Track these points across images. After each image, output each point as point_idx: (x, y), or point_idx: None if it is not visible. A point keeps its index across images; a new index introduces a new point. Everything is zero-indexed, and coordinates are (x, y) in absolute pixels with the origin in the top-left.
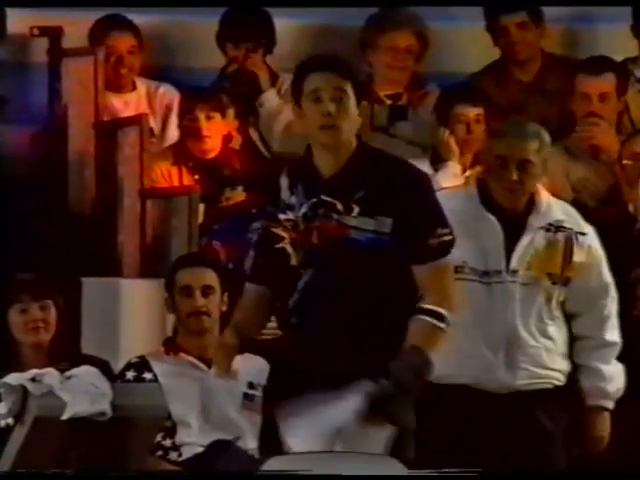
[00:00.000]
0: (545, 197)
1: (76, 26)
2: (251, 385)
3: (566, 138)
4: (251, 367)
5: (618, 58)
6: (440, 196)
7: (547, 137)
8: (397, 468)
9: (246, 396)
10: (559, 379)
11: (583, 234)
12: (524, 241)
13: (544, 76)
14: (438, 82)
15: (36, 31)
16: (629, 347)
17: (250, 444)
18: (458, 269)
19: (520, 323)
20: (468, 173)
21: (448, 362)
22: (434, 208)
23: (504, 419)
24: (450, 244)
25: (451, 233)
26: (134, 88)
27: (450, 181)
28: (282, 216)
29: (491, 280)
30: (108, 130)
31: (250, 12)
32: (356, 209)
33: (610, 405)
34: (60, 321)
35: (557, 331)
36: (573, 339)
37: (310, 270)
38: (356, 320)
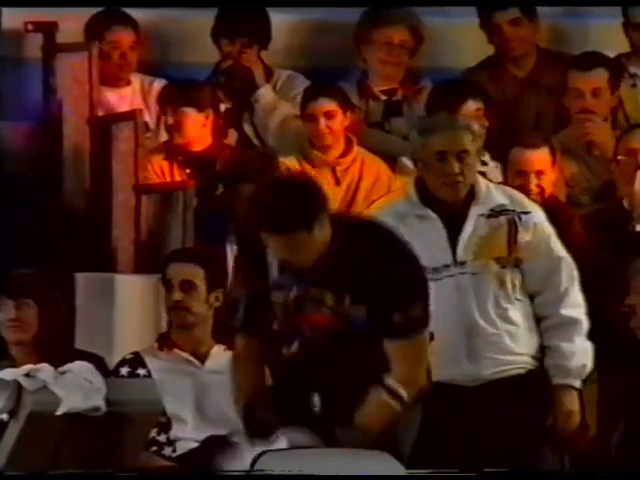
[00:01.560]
0: (484, 184)
1: (71, 21)
2: None
3: (560, 133)
4: None
5: (611, 54)
6: (385, 203)
7: (477, 127)
8: (391, 463)
9: None
10: (529, 363)
11: (526, 213)
12: (466, 231)
13: (539, 72)
14: (433, 77)
15: (30, 26)
16: (623, 342)
17: (244, 439)
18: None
19: (477, 313)
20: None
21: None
22: (403, 281)
23: (482, 410)
24: (418, 319)
25: (421, 307)
26: (129, 83)
27: None
28: (274, 294)
29: (441, 275)
30: (103, 125)
31: (245, 8)
32: (347, 298)
33: (575, 382)
34: (44, 319)
35: (519, 314)
36: (537, 319)
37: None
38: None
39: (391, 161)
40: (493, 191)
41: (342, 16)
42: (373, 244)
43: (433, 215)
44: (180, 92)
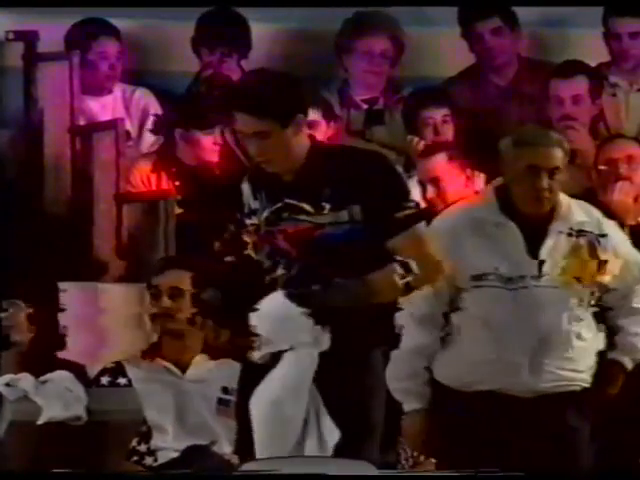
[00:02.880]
0: (566, 201)
1: (52, 31)
2: (225, 390)
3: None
4: (226, 372)
5: (592, 63)
6: (460, 208)
7: (567, 144)
8: (369, 470)
9: (221, 401)
10: (585, 380)
11: (604, 236)
12: (547, 245)
13: (520, 81)
14: (414, 86)
15: (11, 35)
16: None
17: (225, 449)
18: (483, 276)
19: (550, 327)
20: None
21: (475, 369)
22: (395, 185)
23: (531, 422)
24: (416, 216)
25: (416, 206)
26: (110, 92)
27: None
28: (247, 221)
29: (516, 285)
30: (84, 134)
31: (225, 17)
32: (327, 206)
33: (626, 362)
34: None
35: (590, 332)
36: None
37: (280, 272)
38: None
39: None
40: (574, 208)
41: (323, 24)
42: (358, 157)
43: (512, 225)
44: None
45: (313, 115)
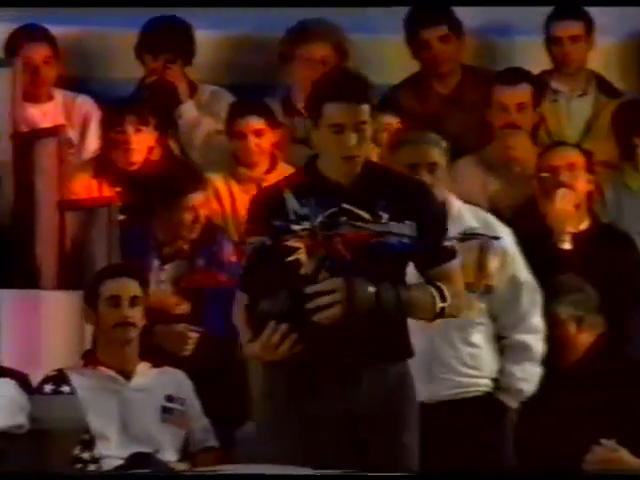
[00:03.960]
0: (456, 205)
1: None
2: (170, 398)
3: (483, 149)
4: (170, 380)
5: (533, 70)
6: None
7: (445, 143)
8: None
9: (165, 409)
10: (488, 385)
11: (496, 238)
12: None
13: (463, 88)
14: None
15: None
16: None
17: (169, 457)
18: None
19: (438, 335)
20: None
21: None
22: (442, 214)
23: (436, 429)
24: (454, 248)
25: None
26: (51, 99)
27: None
28: (296, 227)
29: None
30: (26, 141)
31: (169, 24)
32: (385, 216)
33: (511, 403)
34: None
35: (482, 337)
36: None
37: (325, 275)
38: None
39: None
40: (465, 213)
41: (266, 31)
42: (408, 180)
43: None
44: (132, 110)
45: (257, 123)
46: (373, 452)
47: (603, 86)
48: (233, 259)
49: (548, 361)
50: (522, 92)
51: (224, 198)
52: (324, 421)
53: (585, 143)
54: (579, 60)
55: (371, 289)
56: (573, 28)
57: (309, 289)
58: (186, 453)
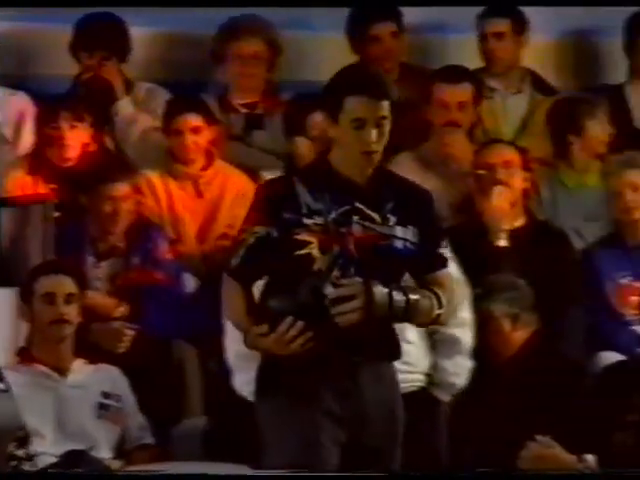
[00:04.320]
0: None
1: None
2: (106, 395)
3: (421, 147)
4: (106, 377)
5: (470, 67)
6: None
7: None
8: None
9: (101, 406)
10: (422, 380)
11: None
12: None
13: (400, 85)
14: (295, 90)
15: None
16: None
17: (104, 454)
18: None
19: None
20: None
21: None
22: (439, 222)
23: None
24: (448, 256)
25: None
26: None
27: None
28: (308, 221)
29: None
30: None
31: (104, 20)
32: (392, 219)
33: (444, 397)
34: None
35: (415, 332)
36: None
37: (337, 272)
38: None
39: (253, 174)
40: None
41: (201, 28)
42: (413, 185)
43: None
44: (66, 106)
45: (195, 120)
46: (375, 452)
47: (538, 84)
48: (169, 257)
49: (483, 358)
50: (463, 91)
51: (160, 195)
52: (327, 419)
53: (521, 140)
54: (507, 58)
55: (386, 293)
56: (499, 26)
57: (330, 293)
58: (121, 450)
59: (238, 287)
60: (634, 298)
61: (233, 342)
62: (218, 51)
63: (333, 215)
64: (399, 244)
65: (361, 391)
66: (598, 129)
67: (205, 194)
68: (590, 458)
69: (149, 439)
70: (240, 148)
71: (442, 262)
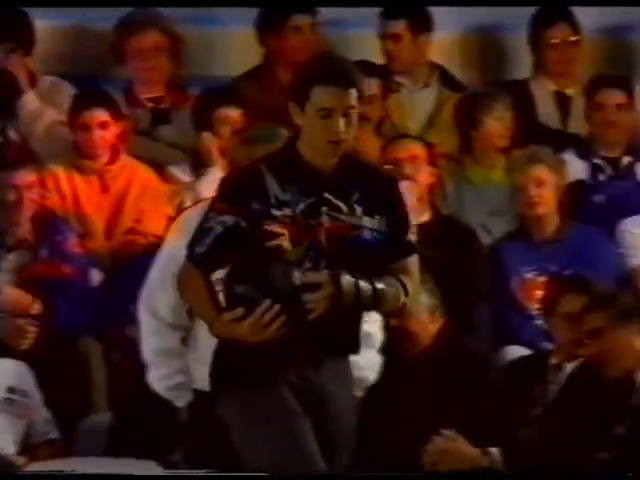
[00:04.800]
0: None
1: None
2: (11, 390)
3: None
4: (11, 372)
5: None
6: (193, 216)
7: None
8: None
9: (6, 400)
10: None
11: None
12: None
13: None
14: (200, 85)
15: None
16: None
17: (9, 449)
18: None
19: None
20: None
21: None
22: (407, 209)
23: None
24: (414, 243)
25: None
26: None
27: (212, 187)
28: (277, 212)
29: None
30: None
31: (8, 14)
32: (359, 209)
33: (357, 392)
34: None
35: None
36: None
37: (308, 264)
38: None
39: (159, 169)
40: None
41: (105, 22)
42: (380, 173)
43: None
44: None
45: (102, 115)
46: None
47: (446, 79)
48: (77, 250)
49: (395, 351)
50: (371, 85)
51: (65, 189)
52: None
53: (428, 136)
54: (406, 58)
55: (353, 282)
56: (394, 27)
57: (299, 281)
58: (26, 445)
59: (200, 275)
60: (539, 292)
61: (151, 338)
62: (118, 47)
63: (301, 206)
64: (367, 234)
65: (321, 384)
66: (495, 124)
67: (111, 189)
68: (494, 452)
69: (54, 434)
70: (147, 143)
71: (409, 249)
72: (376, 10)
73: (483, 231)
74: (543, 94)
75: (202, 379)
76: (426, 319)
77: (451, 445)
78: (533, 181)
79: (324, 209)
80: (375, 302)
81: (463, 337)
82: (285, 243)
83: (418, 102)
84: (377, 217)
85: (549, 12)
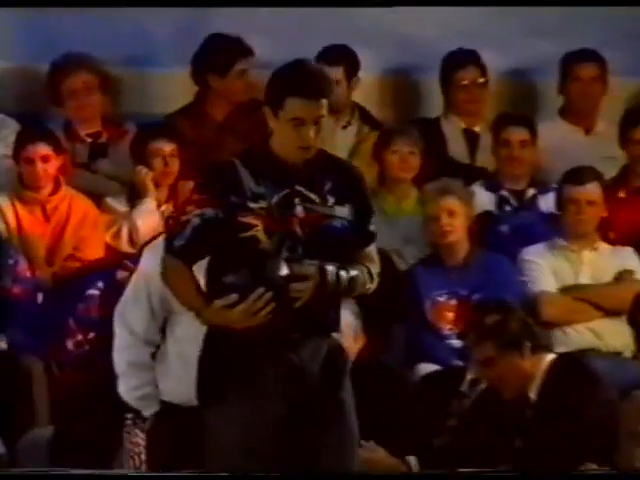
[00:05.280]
0: None
1: None
2: None
3: None
4: None
5: None
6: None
7: None
8: None
9: None
10: None
11: None
12: None
13: (235, 115)
14: (136, 121)
15: None
16: None
17: None
18: None
19: None
20: (164, 208)
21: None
22: (369, 199)
23: None
24: (375, 231)
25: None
26: None
27: (145, 216)
28: (252, 204)
29: None
30: None
31: None
32: (331, 199)
33: None
34: None
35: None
36: None
37: (286, 253)
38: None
39: (97, 199)
40: None
41: (44, 63)
42: (348, 167)
43: None
44: None
45: (44, 149)
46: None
47: (365, 117)
48: (27, 274)
49: None
50: None
51: (9, 218)
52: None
53: None
54: (340, 101)
55: (335, 272)
56: (334, 73)
57: (287, 272)
58: None
59: (183, 267)
60: (450, 314)
61: (125, 352)
62: (53, 89)
63: (275, 199)
64: (338, 223)
65: (303, 365)
66: (394, 157)
67: (52, 218)
68: (412, 460)
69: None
70: (85, 175)
71: (372, 238)
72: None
73: (397, 258)
74: (453, 131)
75: (168, 391)
76: (351, 340)
77: (372, 455)
78: (445, 211)
79: (297, 200)
80: (350, 289)
81: (381, 355)
82: (259, 234)
83: (340, 140)
84: (347, 206)
85: (459, 55)
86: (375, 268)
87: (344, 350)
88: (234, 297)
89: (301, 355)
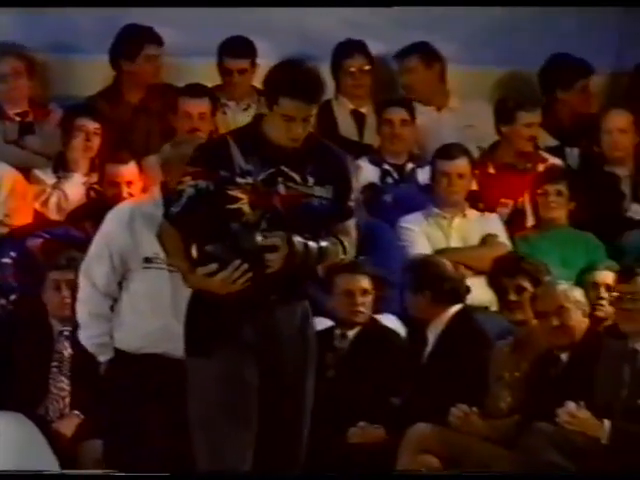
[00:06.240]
0: None
1: None
2: None
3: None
4: None
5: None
6: (132, 203)
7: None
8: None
9: None
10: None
11: None
12: None
13: (149, 99)
14: (61, 103)
15: None
16: None
17: None
18: (150, 259)
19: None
20: (85, 179)
21: (143, 336)
22: (351, 180)
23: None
24: (353, 208)
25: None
26: None
27: (75, 190)
28: (240, 180)
29: (151, 265)
30: None
31: None
32: (311, 180)
33: None
34: None
35: None
36: None
37: (264, 225)
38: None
39: (26, 172)
40: None
41: None
42: (333, 150)
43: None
44: None
45: None
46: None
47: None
48: None
49: None
50: (202, 104)
51: None
52: (247, 353)
53: None
54: (244, 89)
55: (303, 243)
56: (236, 64)
57: (258, 243)
58: None
59: (176, 233)
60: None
61: (86, 304)
62: None
63: (261, 176)
64: (316, 202)
65: (278, 326)
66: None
67: None
68: None
69: None
70: (15, 151)
71: (349, 213)
72: (215, 41)
73: None
74: (343, 112)
75: (120, 340)
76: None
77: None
78: None
79: (280, 179)
80: (320, 258)
81: None
82: (245, 207)
83: (240, 121)
84: (326, 186)
85: (348, 45)
86: (349, 240)
87: (310, 317)
88: (214, 266)
89: (276, 316)
